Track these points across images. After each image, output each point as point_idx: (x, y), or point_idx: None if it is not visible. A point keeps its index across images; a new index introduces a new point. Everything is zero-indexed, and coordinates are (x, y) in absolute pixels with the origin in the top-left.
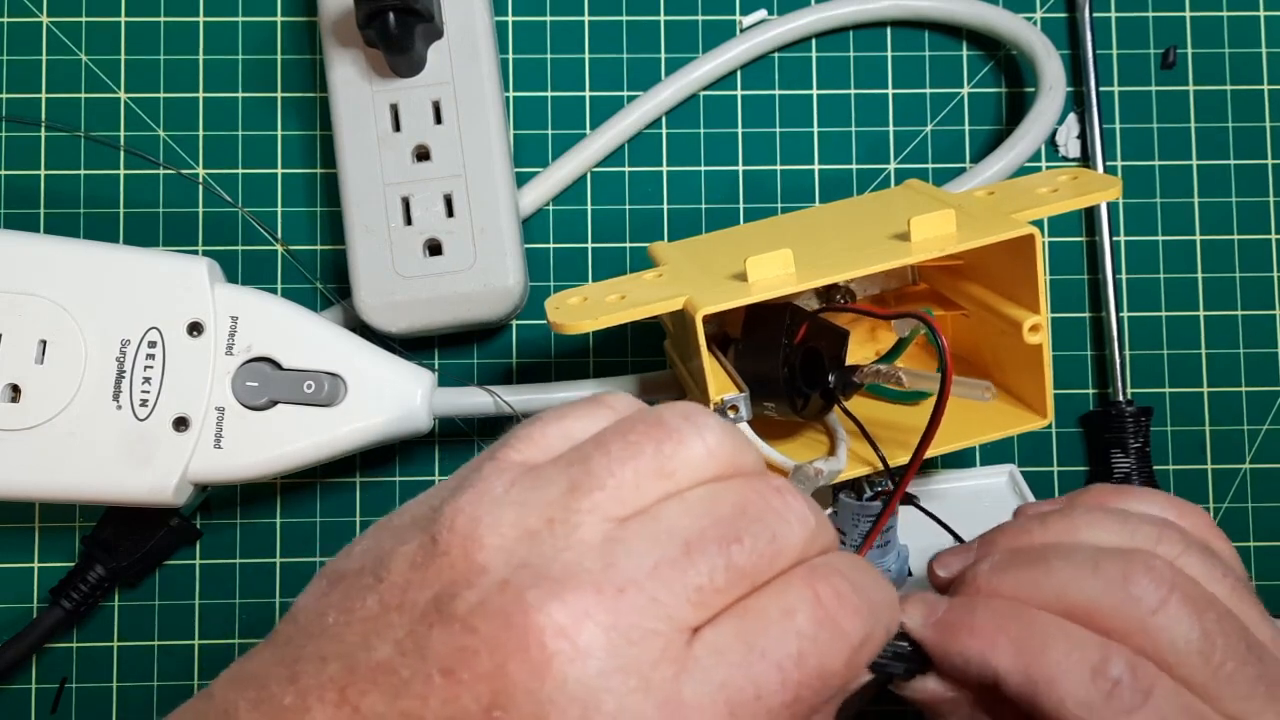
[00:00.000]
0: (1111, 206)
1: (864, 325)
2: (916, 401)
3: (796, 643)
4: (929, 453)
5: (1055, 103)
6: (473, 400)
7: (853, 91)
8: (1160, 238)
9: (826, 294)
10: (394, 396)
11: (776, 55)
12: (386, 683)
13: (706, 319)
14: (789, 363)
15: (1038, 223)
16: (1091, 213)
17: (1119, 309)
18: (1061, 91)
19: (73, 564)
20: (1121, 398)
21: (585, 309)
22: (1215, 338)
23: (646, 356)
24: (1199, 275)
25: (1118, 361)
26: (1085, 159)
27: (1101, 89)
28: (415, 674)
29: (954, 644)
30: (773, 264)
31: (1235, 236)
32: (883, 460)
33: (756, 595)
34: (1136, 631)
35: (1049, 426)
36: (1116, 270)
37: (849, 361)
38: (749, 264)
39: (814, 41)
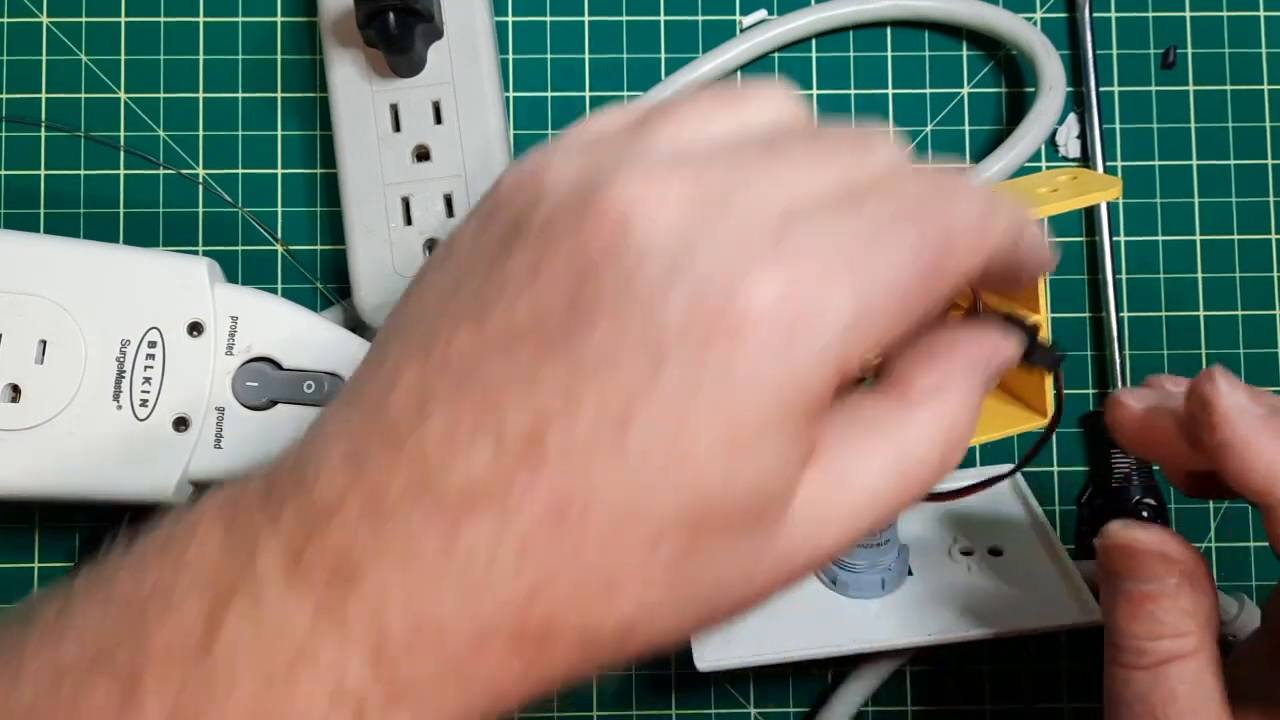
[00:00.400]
0: (1111, 206)
1: None
2: None
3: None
4: None
5: (1055, 103)
6: None
7: (853, 92)
8: (1160, 238)
9: None
10: None
11: (776, 55)
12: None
13: None
14: None
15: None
16: (1091, 212)
17: (1119, 309)
18: (1061, 92)
19: (73, 564)
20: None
21: None
22: (1215, 338)
23: None
24: (1199, 275)
25: (1118, 362)
26: (1085, 159)
27: (1101, 89)
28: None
29: (1256, 444)
30: None
31: (1235, 236)
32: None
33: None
34: None
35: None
36: (1116, 270)
37: None
38: None
39: (814, 41)
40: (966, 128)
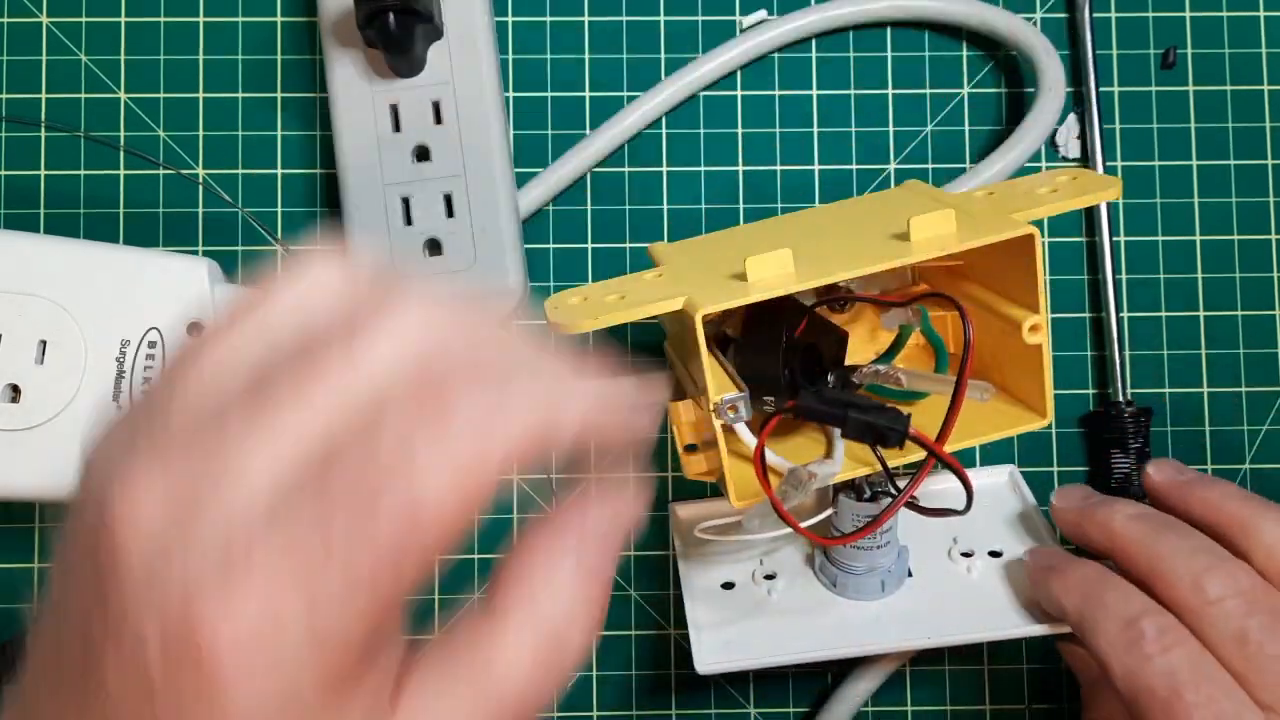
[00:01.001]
0: (1112, 206)
1: (864, 327)
2: (914, 401)
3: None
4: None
5: (1055, 103)
6: None
7: (853, 92)
8: (1160, 238)
9: (828, 289)
10: None
11: (776, 55)
12: None
13: (706, 319)
14: (789, 364)
15: (1038, 223)
16: (1091, 213)
17: (1119, 309)
18: (1061, 92)
19: None
20: (1121, 398)
21: (585, 309)
22: (1215, 338)
23: (647, 356)
24: (1199, 275)
25: (1118, 362)
26: (1085, 159)
27: (1101, 89)
28: None
29: (1043, 588)
30: (772, 264)
31: (1235, 237)
32: (881, 461)
33: None
34: (1192, 610)
35: (1049, 427)
36: (1116, 270)
37: (849, 362)
38: (748, 264)
39: (814, 41)
40: (966, 128)
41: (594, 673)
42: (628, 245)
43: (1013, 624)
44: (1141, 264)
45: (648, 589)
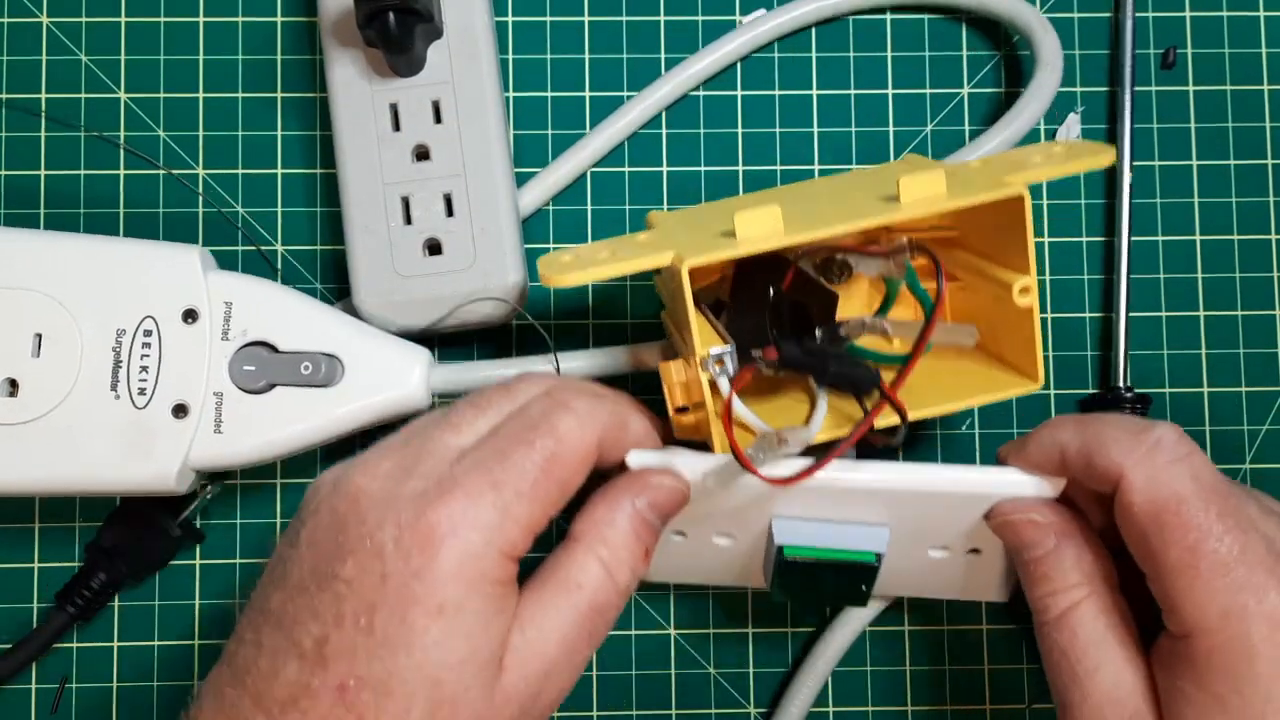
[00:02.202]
0: (1117, 208)
1: (858, 299)
2: (906, 366)
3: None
4: (923, 414)
5: (1053, 79)
6: (471, 375)
7: (852, 92)
8: (1160, 238)
9: (824, 269)
10: (391, 375)
11: (777, 56)
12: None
13: (700, 285)
14: (777, 322)
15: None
16: (1111, 211)
17: (1129, 309)
18: (1058, 67)
19: (72, 564)
20: (1121, 384)
21: (575, 264)
22: (1215, 338)
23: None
24: (1199, 275)
25: (1122, 348)
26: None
27: (1101, 89)
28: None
29: (1032, 439)
30: (760, 219)
31: (1235, 236)
32: (863, 408)
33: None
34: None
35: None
36: (1131, 270)
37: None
38: (737, 219)
39: (814, 41)
40: (966, 127)
41: (594, 673)
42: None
43: (977, 591)
44: (1142, 264)
45: (648, 589)
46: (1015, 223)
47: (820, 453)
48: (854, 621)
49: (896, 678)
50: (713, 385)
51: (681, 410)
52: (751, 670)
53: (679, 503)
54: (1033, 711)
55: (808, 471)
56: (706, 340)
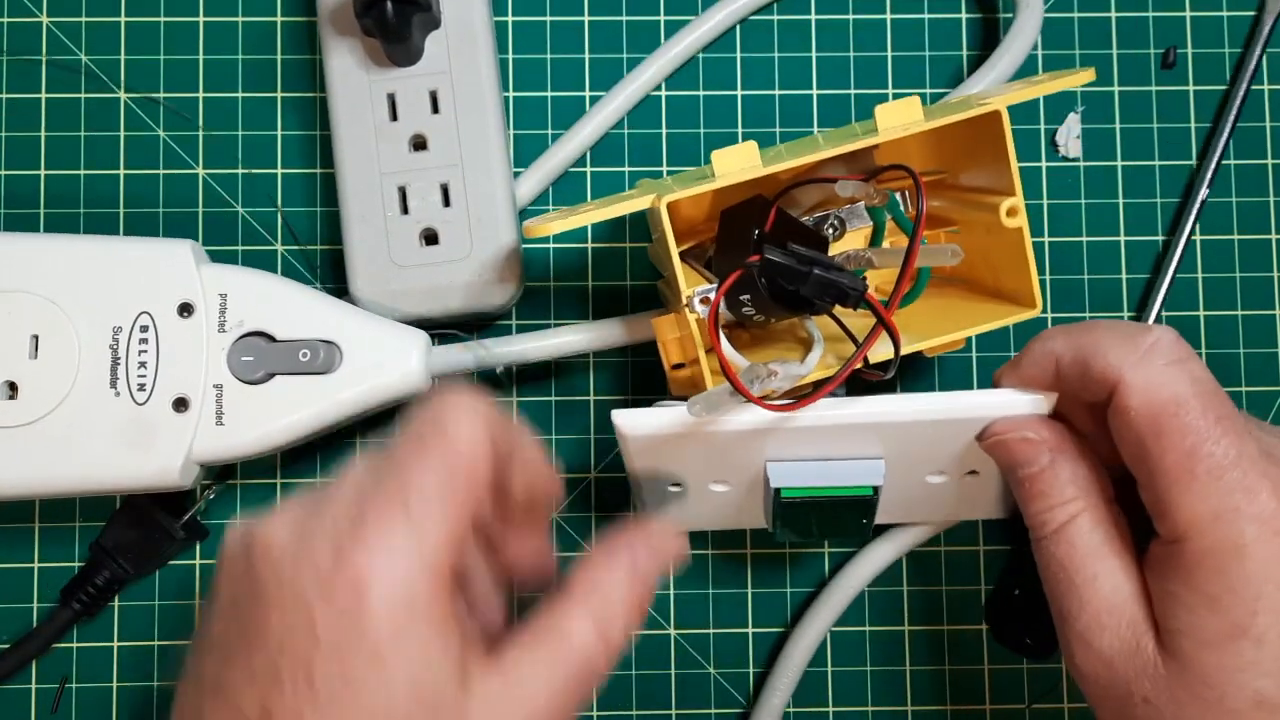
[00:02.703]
0: (1126, 207)
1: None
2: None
3: None
4: (923, 346)
5: (1033, 20)
6: (470, 356)
7: (852, 92)
8: (1160, 237)
9: (818, 224)
10: (390, 358)
11: (777, 56)
12: None
13: (692, 247)
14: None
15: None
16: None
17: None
18: (1039, 9)
19: (73, 563)
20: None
21: (558, 214)
22: (1216, 338)
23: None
24: (1199, 275)
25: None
26: (1084, 159)
27: (1101, 89)
28: None
29: (1025, 353)
30: (737, 156)
31: (1235, 236)
32: (853, 339)
33: None
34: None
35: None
36: (1116, 270)
37: None
38: (714, 156)
39: (814, 40)
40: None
41: None
42: (627, 245)
43: (973, 511)
44: (1141, 264)
45: None
46: (996, 147)
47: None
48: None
49: (896, 677)
50: (699, 325)
51: (678, 367)
52: (751, 670)
53: (677, 561)
54: (1033, 711)
55: (805, 400)
56: (691, 280)
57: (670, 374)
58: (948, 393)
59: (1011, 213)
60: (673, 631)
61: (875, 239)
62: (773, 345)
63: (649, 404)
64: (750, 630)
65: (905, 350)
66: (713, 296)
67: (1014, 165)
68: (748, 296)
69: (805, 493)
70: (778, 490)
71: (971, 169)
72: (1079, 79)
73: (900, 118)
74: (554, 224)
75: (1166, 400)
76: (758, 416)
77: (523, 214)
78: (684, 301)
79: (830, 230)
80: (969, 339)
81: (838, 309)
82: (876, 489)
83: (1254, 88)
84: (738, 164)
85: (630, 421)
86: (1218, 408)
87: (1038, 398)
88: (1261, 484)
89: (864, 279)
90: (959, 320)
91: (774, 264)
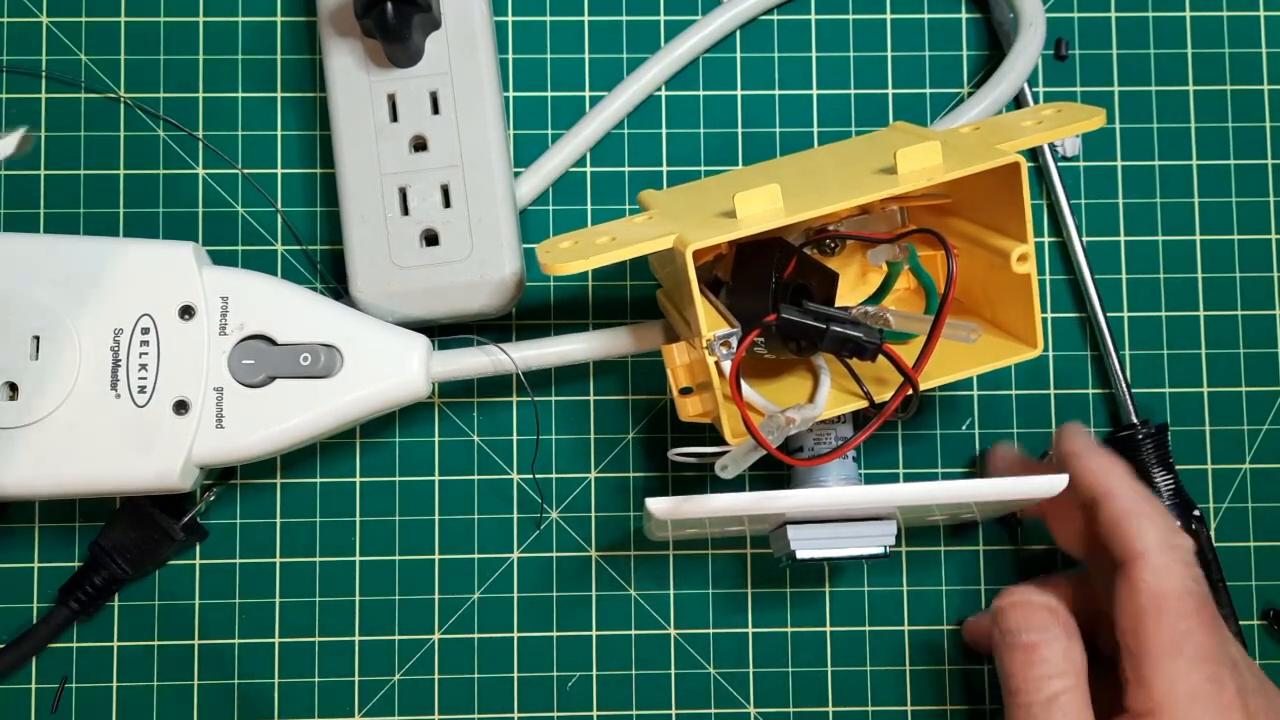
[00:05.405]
0: (1112, 207)
1: (854, 270)
2: (905, 341)
3: None
4: (929, 385)
5: (1035, 39)
6: (471, 361)
7: (852, 92)
8: (1160, 238)
9: (818, 240)
10: (391, 363)
11: (777, 56)
12: None
13: (697, 261)
14: (778, 302)
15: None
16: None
17: (1118, 346)
18: (1041, 26)
19: (72, 564)
20: (1134, 419)
21: (576, 250)
22: (1215, 338)
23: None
24: (1199, 275)
25: (1125, 391)
26: (1084, 159)
27: (1101, 89)
28: None
29: (1090, 455)
30: (761, 199)
31: (1235, 236)
32: (866, 395)
33: None
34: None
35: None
36: (1116, 270)
37: (839, 304)
38: (737, 200)
39: (814, 41)
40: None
41: (594, 672)
42: None
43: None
44: (1142, 264)
45: (648, 589)
46: (1011, 190)
47: (825, 430)
48: None
49: (896, 677)
50: (717, 367)
51: (685, 391)
52: (751, 670)
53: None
54: None
55: (830, 455)
56: (712, 322)
57: (678, 399)
58: (970, 481)
59: (1023, 259)
60: (673, 631)
61: (886, 284)
62: (781, 376)
63: (649, 405)
64: (750, 630)
65: (882, 398)
66: (733, 342)
67: (1029, 214)
68: (761, 341)
69: (821, 556)
70: (794, 551)
71: (982, 204)
72: (1089, 124)
73: (921, 162)
74: (572, 264)
75: (1176, 586)
76: (790, 503)
77: (523, 214)
78: (705, 345)
79: (830, 248)
80: None
81: None
82: (888, 547)
83: (1254, 88)
84: (761, 208)
85: (664, 509)
86: (1212, 610)
87: (1063, 478)
88: (1229, 682)
89: (880, 332)
90: (960, 360)
91: (791, 323)
